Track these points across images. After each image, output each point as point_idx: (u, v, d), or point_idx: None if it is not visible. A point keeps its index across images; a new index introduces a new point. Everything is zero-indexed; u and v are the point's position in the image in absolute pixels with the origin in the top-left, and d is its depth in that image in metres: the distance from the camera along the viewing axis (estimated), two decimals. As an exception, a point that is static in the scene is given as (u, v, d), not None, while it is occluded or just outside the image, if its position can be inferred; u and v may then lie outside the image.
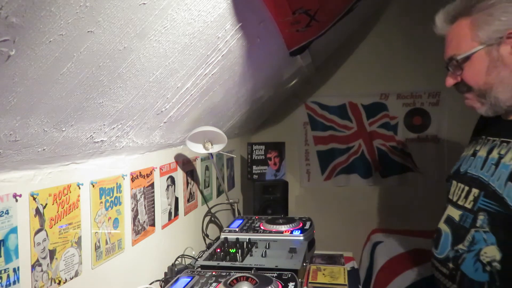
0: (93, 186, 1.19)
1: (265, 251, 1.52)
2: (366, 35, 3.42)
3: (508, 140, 1.18)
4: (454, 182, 1.33)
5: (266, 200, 2.71)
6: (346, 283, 1.70)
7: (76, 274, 1.12)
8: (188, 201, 1.98)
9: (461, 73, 1.22)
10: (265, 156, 2.85)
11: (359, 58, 3.44)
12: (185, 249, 1.86)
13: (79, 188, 1.13)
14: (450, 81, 1.27)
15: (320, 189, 3.58)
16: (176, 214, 1.82)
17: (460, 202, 1.26)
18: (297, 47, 1.78)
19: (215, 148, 1.81)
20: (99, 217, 1.22)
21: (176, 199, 1.82)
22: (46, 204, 0.99)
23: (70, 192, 1.09)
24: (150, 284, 1.51)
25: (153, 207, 1.58)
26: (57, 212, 1.03)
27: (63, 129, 0.94)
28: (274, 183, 2.77)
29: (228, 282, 1.22)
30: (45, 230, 0.99)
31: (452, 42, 1.24)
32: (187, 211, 1.95)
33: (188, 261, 1.77)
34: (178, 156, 1.86)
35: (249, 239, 1.66)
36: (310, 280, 1.72)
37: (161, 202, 1.65)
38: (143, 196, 1.50)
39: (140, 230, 1.48)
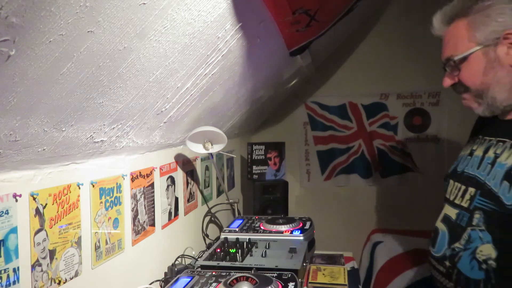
0: (93, 186, 1.19)
1: (265, 251, 1.52)
2: (366, 35, 3.42)
3: (504, 139, 1.18)
4: (451, 181, 1.34)
5: (266, 200, 2.71)
6: (346, 283, 1.69)
7: (76, 274, 1.12)
8: (188, 201, 1.98)
9: (458, 74, 1.23)
10: (265, 156, 2.85)
11: (359, 58, 3.44)
12: (185, 249, 1.86)
13: (79, 188, 1.13)
14: (447, 82, 1.28)
15: (320, 189, 3.58)
16: (176, 214, 1.82)
17: (456, 201, 1.27)
18: (297, 47, 1.78)
19: (215, 148, 1.81)
20: (99, 217, 1.22)
21: (176, 199, 1.82)
22: (46, 204, 0.99)
23: (70, 192, 1.09)
24: (150, 284, 1.51)
25: (153, 207, 1.58)
26: (57, 212, 1.03)
27: (63, 129, 0.94)
28: (274, 183, 2.77)
29: (228, 282, 1.22)
30: (45, 230, 0.99)
31: (449, 43, 1.25)
32: (187, 211, 1.95)
33: (188, 261, 1.77)
34: (178, 156, 1.86)
35: (249, 239, 1.66)
36: (310, 280, 1.72)
37: (161, 202, 1.65)
38: (143, 196, 1.50)
39: (140, 230, 1.48)
